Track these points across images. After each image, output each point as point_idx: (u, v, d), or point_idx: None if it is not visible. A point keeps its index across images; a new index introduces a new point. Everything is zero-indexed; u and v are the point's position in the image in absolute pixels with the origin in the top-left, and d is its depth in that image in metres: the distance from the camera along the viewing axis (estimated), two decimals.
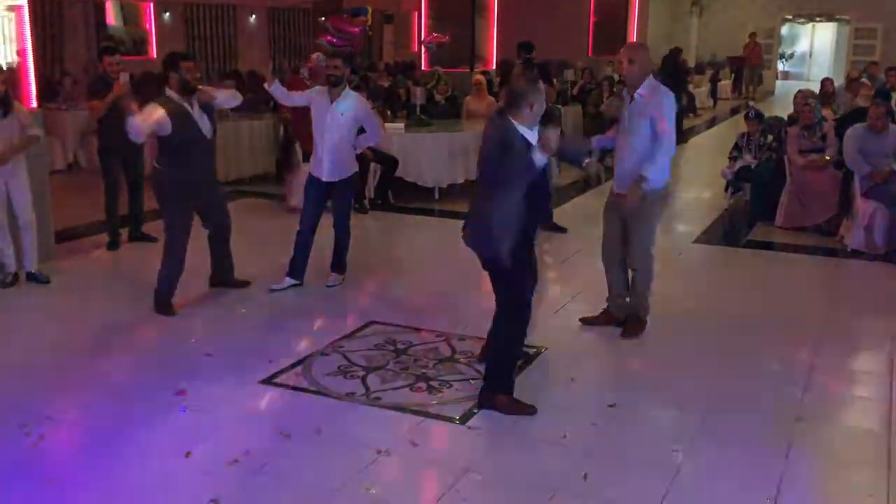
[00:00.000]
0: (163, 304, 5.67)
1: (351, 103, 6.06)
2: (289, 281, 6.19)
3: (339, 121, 6.01)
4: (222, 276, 6.21)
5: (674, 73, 14.76)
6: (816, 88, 11.39)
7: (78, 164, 11.34)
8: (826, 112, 9.28)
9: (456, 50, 13.08)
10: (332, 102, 6.00)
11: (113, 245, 7.29)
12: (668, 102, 4.99)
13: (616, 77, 13.92)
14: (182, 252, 5.73)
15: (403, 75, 13.43)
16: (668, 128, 4.94)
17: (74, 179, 10.56)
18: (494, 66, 13.68)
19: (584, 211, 8.69)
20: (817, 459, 3.92)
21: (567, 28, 19.60)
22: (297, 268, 6.22)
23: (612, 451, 3.90)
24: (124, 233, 7.46)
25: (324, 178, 6.08)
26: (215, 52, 17.22)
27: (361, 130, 6.36)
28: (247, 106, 11.84)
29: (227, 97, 6.00)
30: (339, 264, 6.37)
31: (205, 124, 5.68)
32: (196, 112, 5.61)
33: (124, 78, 7.03)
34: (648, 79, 5.07)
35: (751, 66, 22.74)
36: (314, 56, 9.44)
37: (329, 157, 6.04)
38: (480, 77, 10.89)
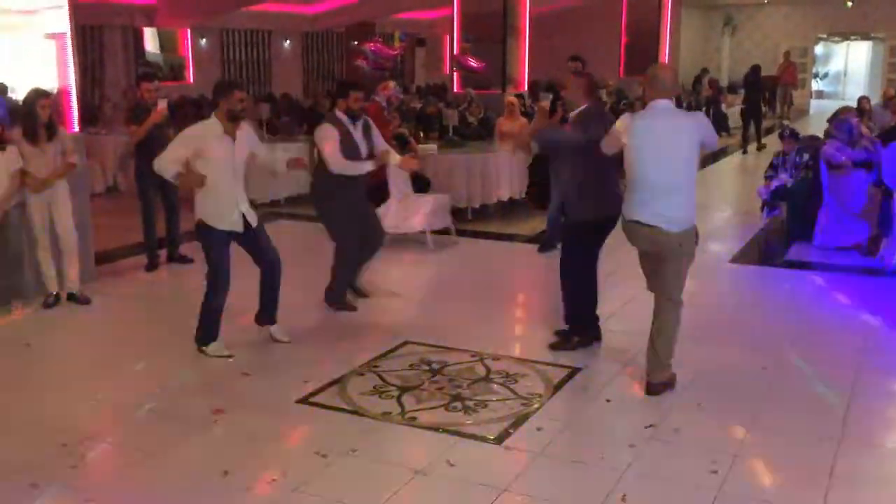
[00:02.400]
0: (340, 302, 6.20)
1: (248, 134, 5.36)
2: (277, 330, 5.67)
3: (244, 157, 5.32)
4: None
5: (756, 87, 16.43)
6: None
7: (117, 188, 11.55)
8: (863, 130, 9.17)
9: (488, 72, 13.15)
10: (234, 139, 5.19)
11: (151, 266, 7.40)
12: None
13: None
14: (355, 255, 6.21)
15: (435, 97, 13.52)
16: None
17: (114, 202, 10.74)
18: (526, 88, 13.71)
19: (615, 233, 8.64)
20: (861, 481, 3.84)
21: (598, 49, 19.59)
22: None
23: (650, 472, 3.86)
24: (162, 254, 7.56)
25: (241, 229, 5.30)
26: (250, 76, 17.52)
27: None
28: (282, 128, 12.05)
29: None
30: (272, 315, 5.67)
31: (364, 145, 6.05)
32: (358, 133, 6.02)
33: (162, 105, 7.16)
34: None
35: (783, 85, 22.55)
36: (391, 84, 9.51)
37: (244, 201, 5.31)
38: (513, 98, 10.91)
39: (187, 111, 11.95)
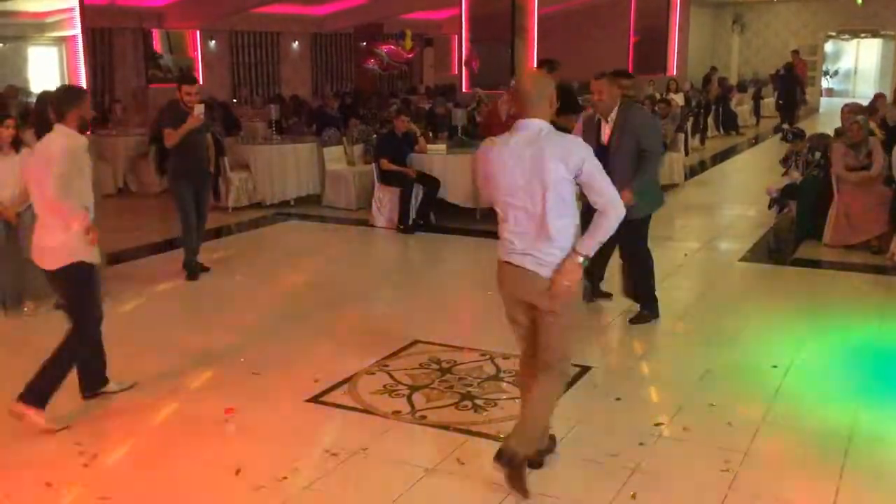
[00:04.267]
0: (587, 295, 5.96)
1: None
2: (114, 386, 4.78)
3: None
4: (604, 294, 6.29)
5: (792, 81, 18.63)
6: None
7: (128, 188, 11.62)
8: (874, 126, 9.12)
9: (496, 72, 13.18)
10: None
11: (192, 276, 7.18)
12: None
13: (658, 96, 13.89)
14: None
15: (444, 97, 13.56)
16: None
17: (124, 203, 10.81)
18: None
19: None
20: (872, 478, 3.83)
21: (607, 48, 19.60)
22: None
23: (661, 471, 3.86)
24: (179, 261, 7.39)
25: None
26: (259, 77, 17.58)
27: None
28: (290, 129, 12.09)
29: None
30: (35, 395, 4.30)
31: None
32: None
33: (199, 110, 7.00)
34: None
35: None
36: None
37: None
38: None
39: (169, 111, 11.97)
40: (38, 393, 4.27)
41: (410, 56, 11.77)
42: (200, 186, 7.23)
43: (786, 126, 17.13)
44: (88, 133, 4.37)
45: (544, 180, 3.47)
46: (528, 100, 3.56)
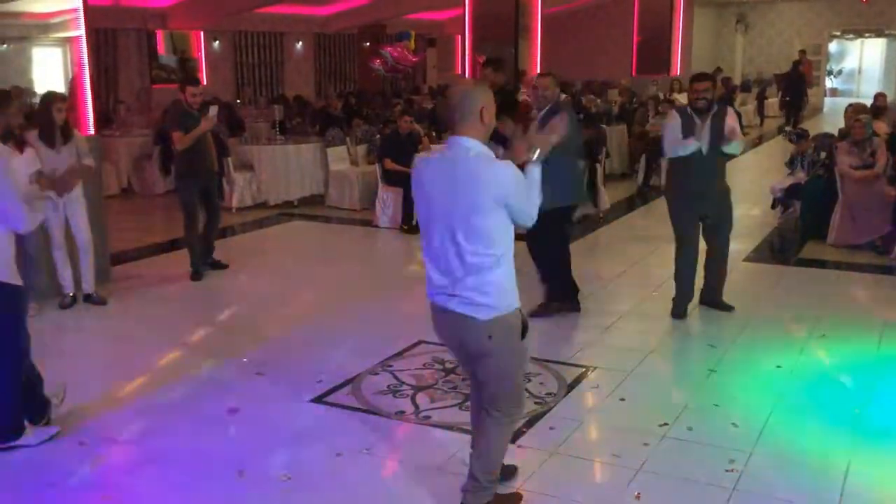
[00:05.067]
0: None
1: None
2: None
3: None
4: (710, 297, 6.20)
5: (796, 80, 19.00)
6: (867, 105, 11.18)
7: (132, 189, 11.63)
8: (879, 126, 9.10)
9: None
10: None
11: (196, 276, 7.16)
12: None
13: (662, 96, 13.89)
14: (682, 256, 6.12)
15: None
16: None
17: (128, 204, 10.83)
18: None
19: (624, 234, 8.64)
20: (878, 477, 3.83)
21: (611, 48, 19.62)
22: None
23: (665, 471, 3.85)
24: (183, 260, 7.34)
25: None
26: (263, 78, 17.59)
27: None
28: (294, 130, 12.10)
29: None
30: None
31: (704, 139, 5.78)
32: (702, 128, 5.77)
33: (213, 111, 7.01)
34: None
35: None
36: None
37: None
38: (527, 98, 10.91)
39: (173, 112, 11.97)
40: (4, 431, 4.07)
41: (416, 60, 11.74)
42: (207, 185, 7.25)
43: (788, 128, 17.14)
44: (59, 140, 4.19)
45: (463, 208, 3.05)
46: (454, 116, 3.12)
